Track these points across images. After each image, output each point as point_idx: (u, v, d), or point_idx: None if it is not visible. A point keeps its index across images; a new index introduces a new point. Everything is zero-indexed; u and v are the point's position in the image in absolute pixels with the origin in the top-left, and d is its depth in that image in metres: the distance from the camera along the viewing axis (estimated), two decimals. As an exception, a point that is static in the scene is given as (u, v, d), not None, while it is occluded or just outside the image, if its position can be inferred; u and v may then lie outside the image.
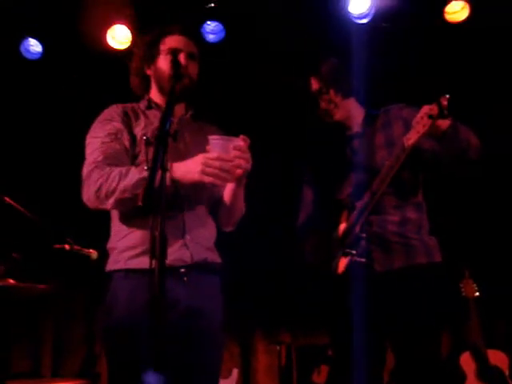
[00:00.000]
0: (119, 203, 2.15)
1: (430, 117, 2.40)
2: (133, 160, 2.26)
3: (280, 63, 4.34)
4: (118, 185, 2.11)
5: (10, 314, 3.15)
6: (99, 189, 2.13)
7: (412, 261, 2.69)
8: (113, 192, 2.11)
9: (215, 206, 2.42)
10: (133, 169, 2.14)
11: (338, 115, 2.90)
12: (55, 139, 4.46)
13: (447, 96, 2.36)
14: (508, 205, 4.46)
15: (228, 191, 2.32)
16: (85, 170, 2.22)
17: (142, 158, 2.23)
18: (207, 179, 2.03)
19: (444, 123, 2.43)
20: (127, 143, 2.26)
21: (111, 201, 2.13)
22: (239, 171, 2.10)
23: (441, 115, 2.37)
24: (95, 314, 4.47)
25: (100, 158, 2.20)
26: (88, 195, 2.18)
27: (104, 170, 2.15)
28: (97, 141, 2.26)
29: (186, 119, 2.45)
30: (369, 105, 2.97)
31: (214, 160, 2.01)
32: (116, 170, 2.14)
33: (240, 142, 2.07)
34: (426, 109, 2.43)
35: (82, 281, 4.10)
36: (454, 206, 4.26)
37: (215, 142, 2.03)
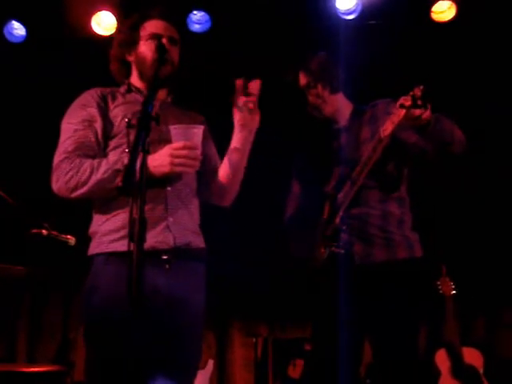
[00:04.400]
0: (90, 194, 2.18)
1: (402, 106, 2.43)
2: (108, 142, 2.26)
3: (266, 56, 4.33)
4: (89, 178, 2.13)
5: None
6: (69, 180, 2.15)
7: (393, 255, 2.71)
8: (83, 184, 2.14)
9: (209, 178, 2.41)
10: (104, 161, 2.16)
11: (326, 110, 2.91)
12: (36, 124, 4.41)
13: (421, 87, 2.39)
14: (485, 201, 4.49)
15: (235, 155, 2.33)
16: (55, 160, 2.23)
17: (121, 140, 2.24)
18: (178, 169, 2.09)
19: (421, 114, 2.44)
20: (101, 130, 2.26)
21: (80, 192, 2.15)
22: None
23: (414, 105, 2.40)
24: (71, 300, 4.45)
25: (71, 148, 2.21)
26: (58, 185, 2.19)
27: (74, 162, 2.17)
28: (70, 127, 2.26)
29: (167, 103, 2.44)
30: (356, 100, 2.98)
31: (180, 149, 2.06)
32: (87, 163, 2.16)
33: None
34: (401, 99, 2.45)
35: (59, 267, 4.06)
36: (429, 202, 4.27)
37: (176, 131, 2.08)
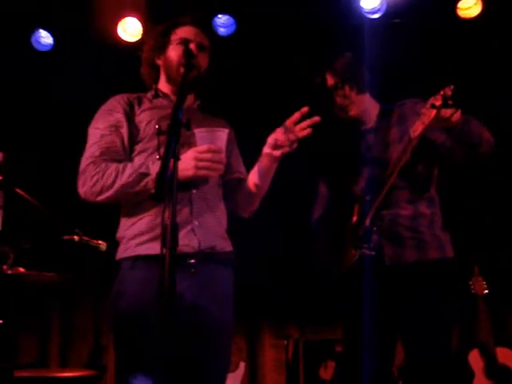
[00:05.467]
0: (115, 198, 2.20)
1: (433, 106, 2.40)
2: (134, 147, 2.29)
3: (291, 58, 4.32)
4: (114, 181, 2.15)
5: (19, 304, 3.15)
6: (94, 185, 2.18)
7: (424, 256, 2.69)
8: (108, 188, 2.16)
9: (233, 188, 2.42)
10: (129, 165, 2.18)
11: (353, 110, 2.89)
12: (65, 131, 4.45)
13: (452, 86, 2.36)
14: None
15: (260, 172, 2.33)
16: (82, 164, 2.26)
17: (146, 144, 2.27)
18: (202, 173, 2.09)
19: (452, 115, 2.41)
20: (127, 135, 2.29)
21: (106, 196, 2.18)
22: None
23: (444, 105, 2.37)
24: (102, 305, 4.48)
25: (97, 153, 2.24)
26: (84, 190, 2.22)
27: (100, 167, 2.20)
28: (97, 132, 2.30)
29: (193, 109, 2.45)
30: (383, 100, 2.96)
31: (204, 153, 2.06)
32: (112, 167, 2.18)
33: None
34: (431, 99, 2.42)
35: (90, 272, 4.10)
36: (460, 201, 4.22)
37: (201, 134, 2.07)
